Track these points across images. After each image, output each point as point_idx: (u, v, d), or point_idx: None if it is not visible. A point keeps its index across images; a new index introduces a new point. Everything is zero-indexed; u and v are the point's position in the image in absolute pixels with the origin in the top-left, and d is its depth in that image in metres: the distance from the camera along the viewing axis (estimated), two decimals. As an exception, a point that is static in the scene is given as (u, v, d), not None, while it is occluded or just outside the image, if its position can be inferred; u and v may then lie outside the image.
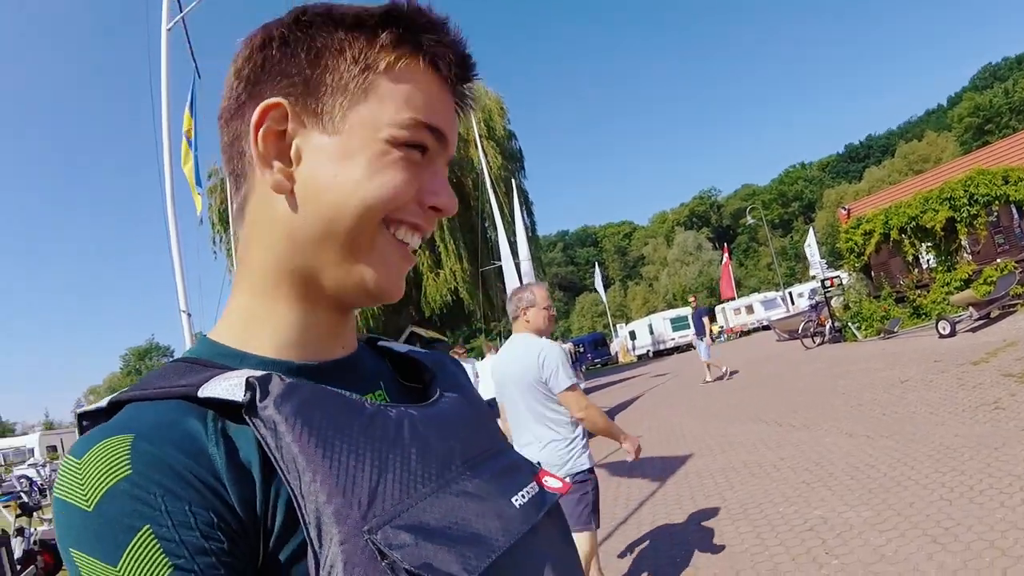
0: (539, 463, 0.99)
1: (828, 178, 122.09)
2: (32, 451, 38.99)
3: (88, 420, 0.76)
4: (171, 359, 0.85)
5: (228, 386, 0.70)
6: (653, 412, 15.97)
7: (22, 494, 15.69)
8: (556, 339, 25.65)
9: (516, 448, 3.05)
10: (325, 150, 0.80)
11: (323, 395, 0.74)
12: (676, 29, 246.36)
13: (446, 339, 34.96)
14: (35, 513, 10.91)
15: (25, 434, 54.39)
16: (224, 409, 0.70)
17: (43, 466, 26.35)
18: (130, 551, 0.60)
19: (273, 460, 0.67)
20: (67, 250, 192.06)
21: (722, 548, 5.81)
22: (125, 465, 0.62)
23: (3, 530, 4.83)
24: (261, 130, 0.79)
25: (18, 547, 8.28)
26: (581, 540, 4.43)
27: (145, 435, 0.65)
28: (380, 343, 1.07)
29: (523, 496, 0.85)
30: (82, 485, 0.62)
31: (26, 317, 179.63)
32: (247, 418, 0.69)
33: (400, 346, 1.07)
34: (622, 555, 6.27)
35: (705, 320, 19.46)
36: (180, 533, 0.61)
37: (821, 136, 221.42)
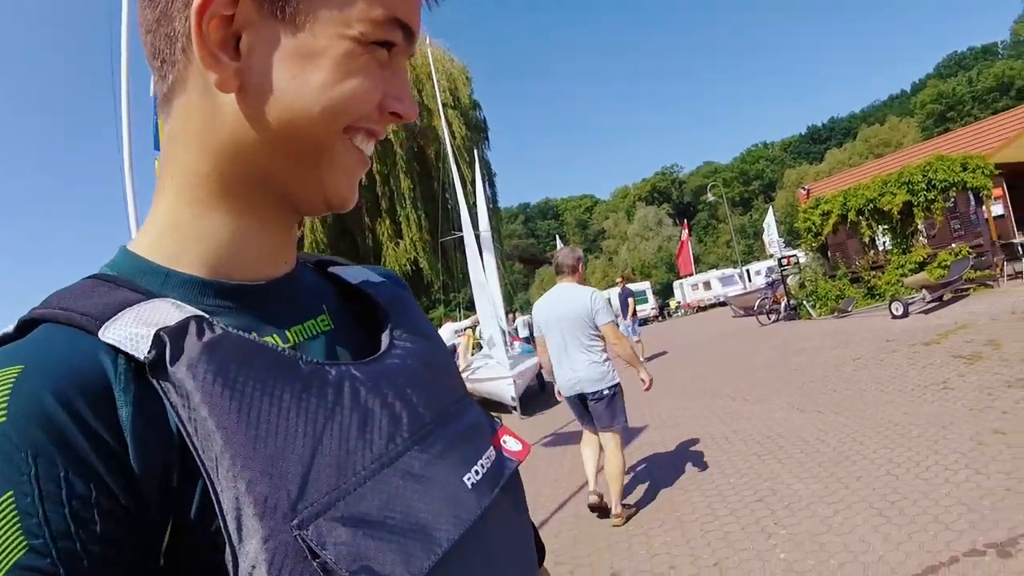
0: (500, 420, 0.92)
1: (789, 158, 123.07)
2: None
3: None
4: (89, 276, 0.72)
5: (132, 334, 0.59)
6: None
7: None
8: (516, 312, 25.65)
9: (558, 373, 5.43)
10: (283, 46, 0.68)
11: (250, 352, 0.63)
12: (645, 5, 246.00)
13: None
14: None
15: None
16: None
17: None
18: None
19: (184, 435, 0.57)
20: (20, 214, 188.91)
21: (674, 517, 5.88)
22: (0, 411, 0.52)
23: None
24: (207, 14, 0.65)
25: None
26: (608, 438, 6.19)
27: (37, 369, 0.55)
28: (331, 269, 0.96)
29: (478, 470, 0.76)
30: None
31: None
32: (155, 381, 0.58)
33: (353, 273, 0.97)
34: (574, 522, 6.35)
35: (630, 301, 19.57)
36: (45, 507, 0.51)
37: (784, 116, 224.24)
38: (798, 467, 6.46)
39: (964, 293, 16.76)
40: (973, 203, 19.66)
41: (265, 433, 0.59)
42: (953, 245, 18.85)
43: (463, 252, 17.99)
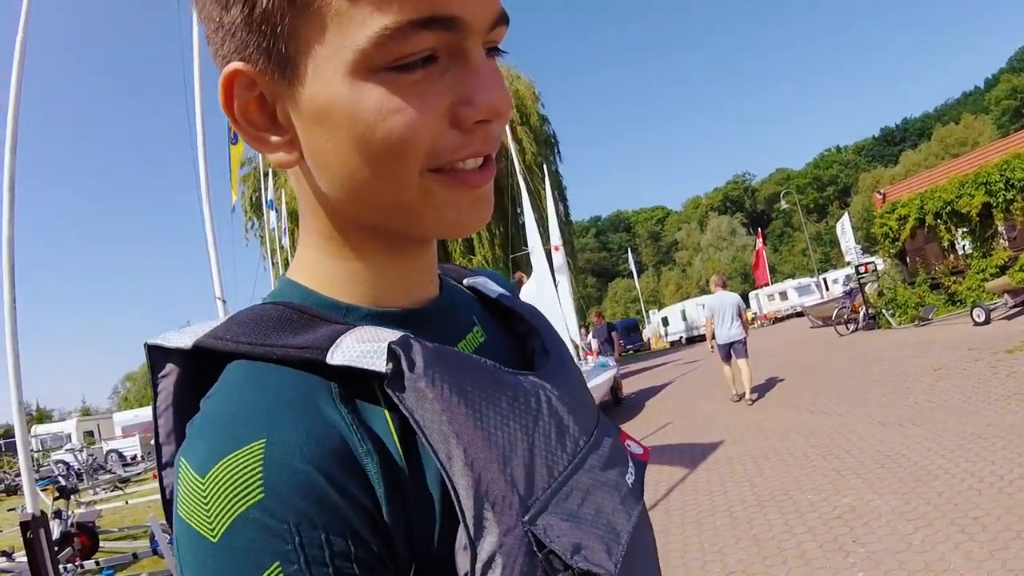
0: (616, 423, 0.92)
1: (864, 162, 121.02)
2: (69, 437, 39.38)
3: (160, 355, 0.70)
4: (262, 301, 0.73)
5: (364, 351, 0.60)
6: (684, 398, 15.97)
7: (60, 478, 15.98)
8: (589, 325, 25.58)
9: (720, 331, 13.35)
10: (303, 108, 0.63)
11: (467, 364, 0.65)
12: (710, 10, 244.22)
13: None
14: (72, 496, 11.14)
15: (62, 420, 55.16)
16: (348, 377, 0.61)
17: (80, 451, 26.74)
18: None
19: (424, 440, 0.58)
20: (104, 239, 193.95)
21: (750, 535, 5.82)
22: (257, 487, 0.53)
23: (43, 511, 4.99)
24: (235, 107, 0.64)
25: (56, 529, 8.47)
26: (743, 361, 12.85)
27: (278, 440, 0.55)
28: (466, 281, 0.96)
29: (631, 473, 0.80)
30: (207, 510, 0.53)
31: (64, 306, 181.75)
32: (390, 391, 0.59)
33: (483, 283, 0.97)
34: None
35: (614, 335, 18.92)
36: (312, 571, 0.52)
37: (856, 119, 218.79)
38: (878, 482, 6.35)
39: (1048, 296, 16.28)
40: (1054, 202, 19.11)
41: (494, 436, 0.62)
42: (1035, 247, 18.35)
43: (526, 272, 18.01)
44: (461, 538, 0.58)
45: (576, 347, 16.97)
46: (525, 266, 27.99)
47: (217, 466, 0.54)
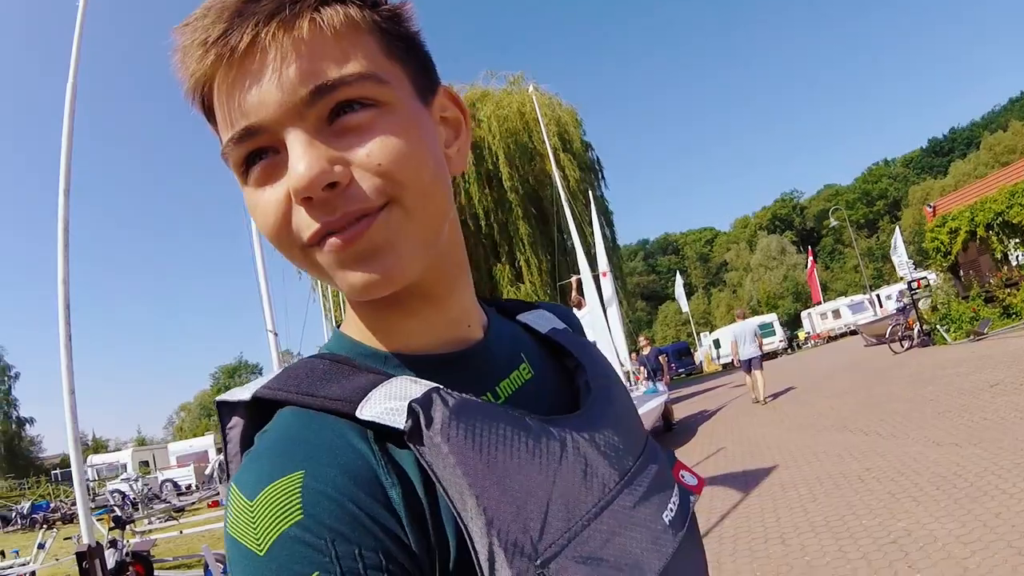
0: (674, 452, 0.98)
1: (913, 174, 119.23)
2: (125, 466, 40.13)
3: (227, 409, 0.80)
4: (313, 354, 0.82)
5: (388, 409, 0.68)
6: (737, 422, 15.82)
7: (115, 508, 16.25)
8: (639, 351, 25.57)
9: (741, 350, 18.40)
10: None
11: (487, 414, 0.71)
12: (753, 29, 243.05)
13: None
14: (127, 526, 11.38)
15: (118, 450, 56.16)
16: (383, 428, 0.69)
17: (135, 480, 27.15)
18: None
19: (440, 489, 0.65)
20: (158, 270, 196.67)
21: (804, 561, 5.76)
22: (296, 510, 0.61)
23: (98, 541, 5.15)
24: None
25: (111, 558, 8.67)
26: (758, 373, 17.78)
27: (315, 472, 0.64)
28: (519, 317, 1.04)
29: (671, 509, 0.82)
30: (254, 528, 0.61)
31: (121, 337, 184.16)
32: (410, 445, 0.67)
33: (537, 318, 1.05)
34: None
35: (661, 359, 19.57)
36: None
37: (903, 131, 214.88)
38: (934, 505, 6.26)
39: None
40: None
41: (510, 484, 0.67)
42: (1091, 254, 18.03)
43: (583, 294, 18.06)
44: None
45: (628, 374, 17.08)
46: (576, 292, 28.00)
47: (263, 492, 0.63)
